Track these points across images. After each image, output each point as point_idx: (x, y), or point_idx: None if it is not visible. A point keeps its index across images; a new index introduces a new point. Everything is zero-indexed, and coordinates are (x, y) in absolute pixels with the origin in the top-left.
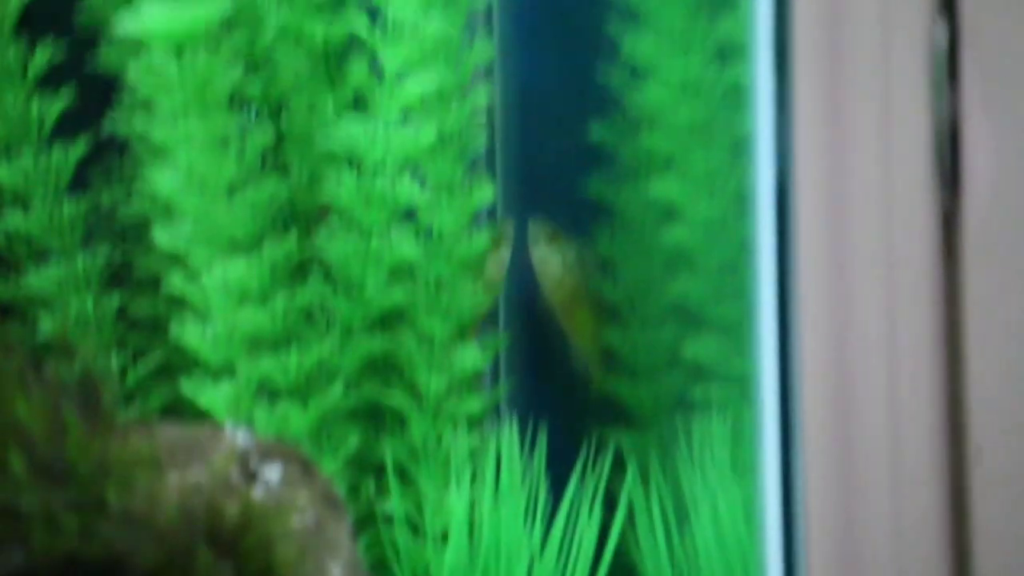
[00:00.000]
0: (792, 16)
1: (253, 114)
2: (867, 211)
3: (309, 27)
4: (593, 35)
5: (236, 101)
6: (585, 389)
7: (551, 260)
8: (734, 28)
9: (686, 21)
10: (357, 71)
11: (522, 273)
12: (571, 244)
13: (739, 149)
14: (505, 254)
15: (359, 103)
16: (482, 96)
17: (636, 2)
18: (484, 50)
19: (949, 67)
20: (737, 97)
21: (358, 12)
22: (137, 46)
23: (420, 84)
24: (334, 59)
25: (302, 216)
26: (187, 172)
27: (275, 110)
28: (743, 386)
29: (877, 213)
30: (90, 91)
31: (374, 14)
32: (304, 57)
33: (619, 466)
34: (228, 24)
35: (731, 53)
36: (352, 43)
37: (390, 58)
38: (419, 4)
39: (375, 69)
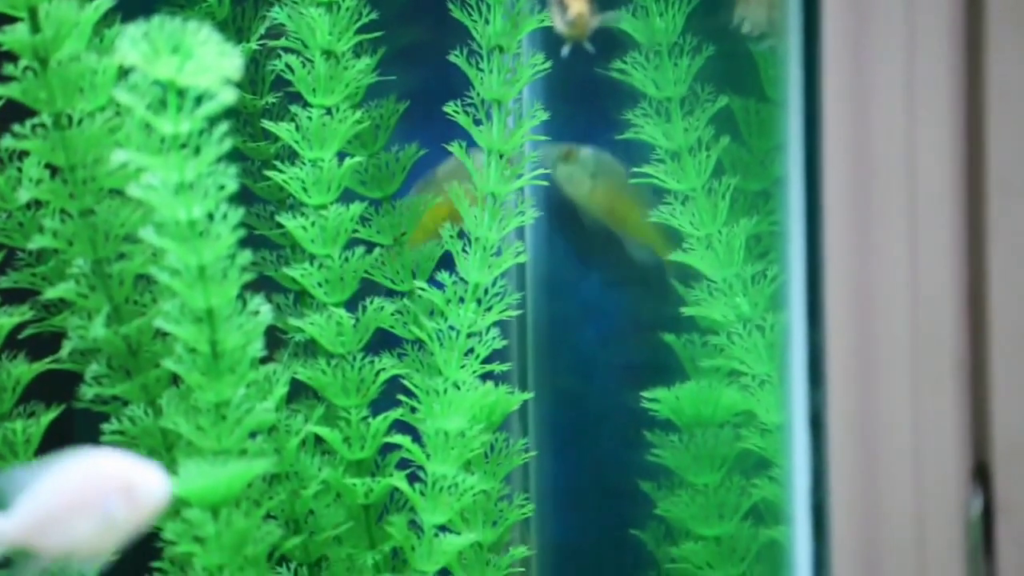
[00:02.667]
0: (830, 486)
1: (292, 570)
2: None
3: (351, 484)
4: (628, 494)
5: (275, 557)
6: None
7: (574, 173)
8: (768, 490)
9: (720, 482)
10: (397, 527)
11: None
12: (587, 153)
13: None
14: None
15: (397, 557)
16: (520, 552)
17: (671, 463)
18: (523, 508)
19: (984, 536)
20: (771, 555)
21: (398, 470)
22: (177, 504)
23: (458, 540)
24: (374, 514)
25: None
26: None
27: (314, 565)
28: None
29: None
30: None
31: (415, 474)
32: (345, 512)
33: None
34: (270, 480)
35: (766, 514)
36: (393, 498)
37: (429, 515)
38: (458, 463)
39: (414, 523)
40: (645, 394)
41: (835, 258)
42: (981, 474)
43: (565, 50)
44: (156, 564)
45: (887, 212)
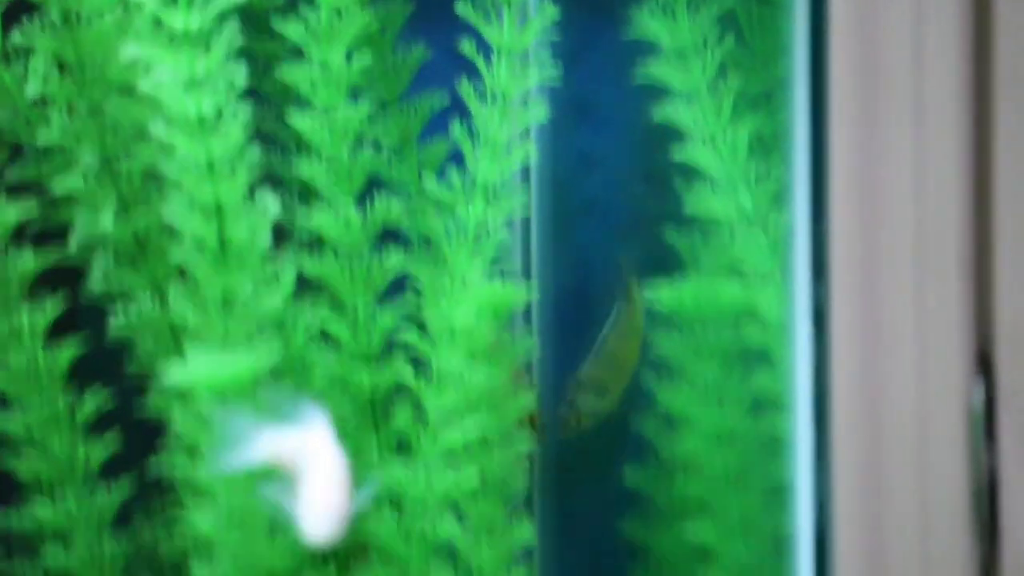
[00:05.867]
0: (831, 376)
1: None
2: (906, 564)
3: (357, 376)
4: (629, 385)
5: None
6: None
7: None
8: (769, 382)
9: (720, 375)
10: (402, 417)
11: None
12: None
13: (774, 495)
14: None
15: (402, 447)
16: (525, 442)
17: (672, 356)
18: (527, 399)
19: (986, 424)
20: (774, 446)
21: (404, 362)
22: (184, 394)
23: (463, 431)
24: (380, 406)
25: (341, 550)
26: (228, 510)
27: None
28: None
29: (916, 566)
30: (136, 435)
31: (420, 364)
32: (350, 403)
33: None
34: (276, 373)
35: (767, 405)
36: (398, 390)
37: (434, 406)
38: (464, 355)
39: (420, 416)
40: (648, 290)
41: (840, 153)
42: (984, 364)
43: None
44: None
45: (892, 107)
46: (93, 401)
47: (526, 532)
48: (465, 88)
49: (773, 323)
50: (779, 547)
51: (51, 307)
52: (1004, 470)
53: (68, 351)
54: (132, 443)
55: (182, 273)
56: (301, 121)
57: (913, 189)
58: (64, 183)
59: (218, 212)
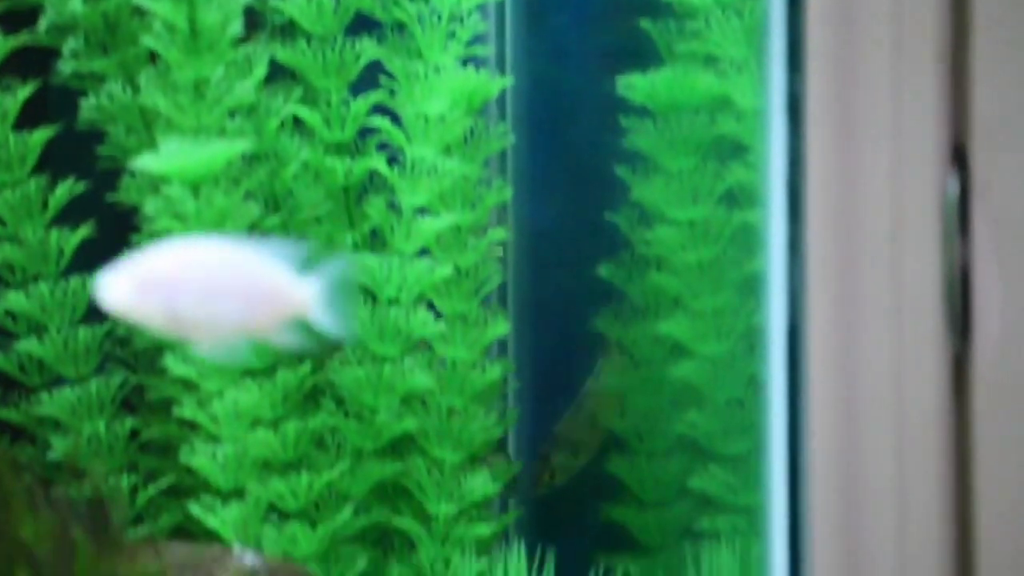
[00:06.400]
0: (806, 167)
1: None
2: (878, 354)
3: (330, 165)
4: (604, 179)
5: (254, 235)
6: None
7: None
8: (743, 174)
9: (695, 167)
10: (376, 207)
11: (531, 403)
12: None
13: (747, 288)
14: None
15: (377, 238)
16: (499, 233)
17: (646, 148)
18: (501, 191)
19: (960, 217)
20: (746, 238)
21: (378, 153)
22: (156, 181)
23: (437, 221)
24: (354, 196)
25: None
26: None
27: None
28: (752, 517)
29: (887, 357)
30: (109, 224)
31: (394, 155)
32: (324, 193)
33: None
34: (250, 160)
35: (740, 197)
36: (372, 180)
37: (408, 196)
38: (438, 146)
39: (394, 206)
40: (621, 79)
41: None
42: (959, 156)
43: None
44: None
45: None
46: (64, 189)
47: (501, 326)
48: None
49: (748, 113)
50: (751, 343)
51: (21, 91)
52: (977, 262)
53: (40, 135)
54: (105, 233)
55: (153, 58)
56: None
57: None
58: None
59: None
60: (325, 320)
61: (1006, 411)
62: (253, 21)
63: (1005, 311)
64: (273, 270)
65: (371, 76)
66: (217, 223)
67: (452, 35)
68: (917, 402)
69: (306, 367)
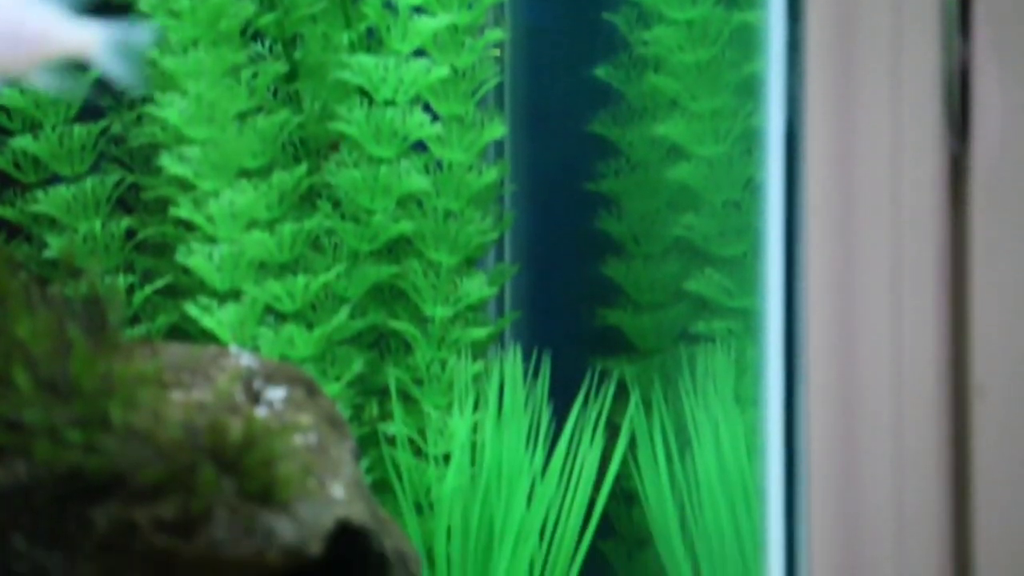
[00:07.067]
0: None
1: (267, 46)
2: (876, 154)
3: None
4: None
5: (249, 33)
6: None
7: None
8: None
9: None
10: (372, 6)
11: (527, 205)
12: None
13: (745, 89)
14: None
15: (373, 37)
16: (496, 34)
17: None
18: None
19: (960, 15)
20: (745, 38)
21: None
22: None
23: (434, 20)
24: None
25: (313, 146)
26: (197, 101)
27: (289, 43)
28: (747, 319)
29: (886, 156)
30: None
31: None
32: None
33: (622, 395)
34: None
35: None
36: None
37: None
38: None
39: (390, 5)
40: None
41: None
42: None
43: None
44: None
45: None
46: None
47: (497, 127)
48: None
49: None
50: (749, 144)
51: None
52: (976, 60)
53: None
54: None
55: None
56: None
57: None
58: None
59: None
60: (112, 67)
61: (1004, 211)
62: None
63: (1004, 113)
64: (49, 13)
65: None
66: (211, 20)
67: None
68: (915, 203)
69: (302, 168)
